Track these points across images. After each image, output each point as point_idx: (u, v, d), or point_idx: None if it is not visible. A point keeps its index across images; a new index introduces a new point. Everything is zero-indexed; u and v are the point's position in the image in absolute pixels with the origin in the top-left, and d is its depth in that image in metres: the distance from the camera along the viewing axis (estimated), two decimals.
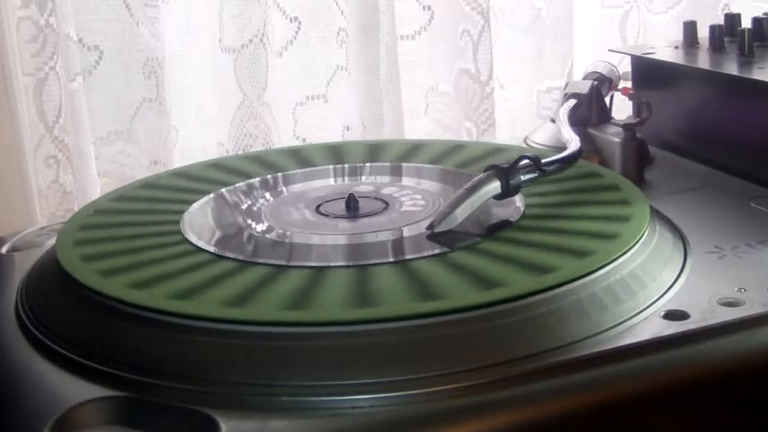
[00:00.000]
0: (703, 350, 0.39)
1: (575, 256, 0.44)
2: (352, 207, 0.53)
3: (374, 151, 0.64)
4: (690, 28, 0.70)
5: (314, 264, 0.45)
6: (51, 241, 0.53)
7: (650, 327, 0.40)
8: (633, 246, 0.45)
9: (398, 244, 0.48)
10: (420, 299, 0.41)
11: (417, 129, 0.91)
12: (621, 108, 0.71)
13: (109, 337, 0.41)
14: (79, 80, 0.78)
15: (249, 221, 0.52)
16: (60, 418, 0.36)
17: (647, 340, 0.39)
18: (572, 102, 0.65)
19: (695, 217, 0.53)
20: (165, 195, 0.57)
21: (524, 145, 0.69)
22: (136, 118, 0.82)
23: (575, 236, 0.47)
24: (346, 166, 0.62)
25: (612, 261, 0.43)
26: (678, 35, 0.72)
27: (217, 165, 0.64)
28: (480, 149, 0.63)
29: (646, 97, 0.63)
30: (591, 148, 0.62)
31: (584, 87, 0.66)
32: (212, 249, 0.48)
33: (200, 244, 0.48)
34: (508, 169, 0.50)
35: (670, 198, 0.56)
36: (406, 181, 0.59)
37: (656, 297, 0.42)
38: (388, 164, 0.61)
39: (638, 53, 0.70)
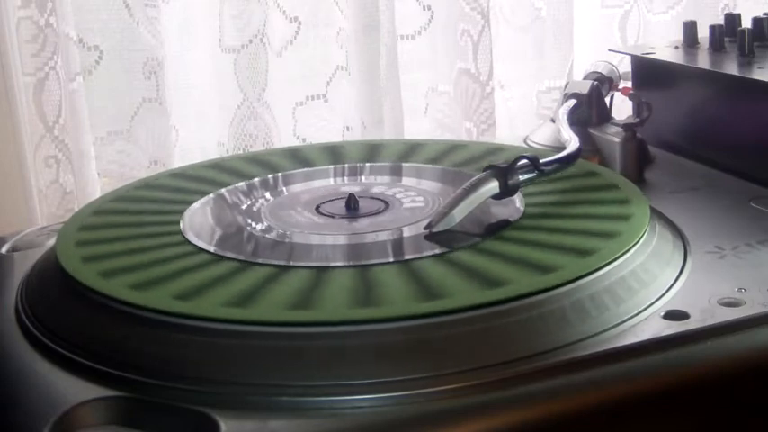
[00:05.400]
0: (703, 350, 0.39)
1: (574, 255, 0.44)
2: (352, 207, 0.53)
3: (411, 151, 0.64)
4: (690, 28, 0.70)
5: (314, 264, 0.45)
6: (51, 241, 0.53)
7: (650, 327, 0.40)
8: (633, 246, 0.45)
9: (398, 244, 0.48)
10: (419, 299, 0.41)
11: (417, 129, 0.91)
12: (621, 108, 0.70)
13: (109, 337, 0.41)
14: (79, 80, 0.78)
15: (249, 221, 0.52)
16: (60, 418, 0.36)
17: (647, 340, 0.39)
18: (572, 102, 0.65)
19: (695, 217, 0.52)
20: (169, 195, 0.57)
21: (524, 145, 0.69)
22: (136, 118, 0.82)
23: (574, 236, 0.47)
24: (346, 165, 0.62)
25: (612, 261, 0.43)
26: (678, 35, 0.72)
27: (253, 158, 0.64)
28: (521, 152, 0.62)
29: (646, 97, 0.63)
30: (591, 148, 0.62)
31: (584, 87, 0.66)
32: (212, 250, 0.48)
33: (200, 244, 0.48)
34: (506, 169, 0.50)
35: (670, 198, 0.56)
36: (406, 181, 0.59)
37: (656, 297, 0.42)
38: (388, 164, 0.61)
39: (638, 53, 0.70)
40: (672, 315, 0.41)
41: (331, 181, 0.60)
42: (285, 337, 0.39)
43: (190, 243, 0.49)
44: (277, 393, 0.37)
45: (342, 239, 0.50)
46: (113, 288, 0.43)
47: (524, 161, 0.51)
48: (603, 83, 0.68)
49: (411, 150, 0.64)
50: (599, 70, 0.70)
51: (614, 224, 0.47)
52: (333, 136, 0.89)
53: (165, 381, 0.38)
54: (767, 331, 0.40)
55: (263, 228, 0.51)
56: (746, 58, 0.63)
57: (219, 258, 0.47)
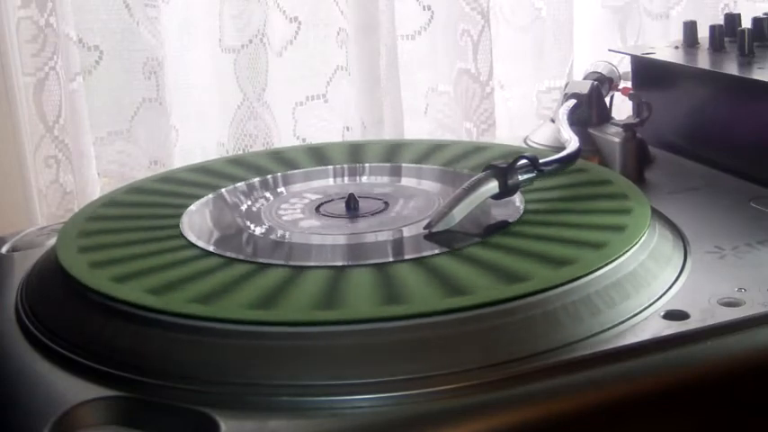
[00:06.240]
0: (703, 350, 0.39)
1: (574, 255, 0.44)
2: (352, 207, 0.53)
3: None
4: (690, 28, 0.70)
5: (313, 264, 0.45)
6: (51, 241, 0.53)
7: (650, 327, 0.40)
8: (633, 246, 0.45)
9: (397, 244, 0.48)
10: (419, 299, 0.41)
11: (417, 129, 0.91)
12: (621, 108, 0.70)
13: (109, 337, 0.41)
14: (79, 80, 0.78)
15: (249, 222, 0.52)
16: (60, 418, 0.36)
17: (647, 340, 0.39)
18: (572, 102, 0.65)
19: (695, 217, 0.52)
20: (169, 194, 0.57)
21: (524, 145, 0.69)
22: (136, 118, 0.82)
23: (574, 236, 0.47)
24: (346, 166, 0.62)
25: (612, 261, 0.43)
26: (678, 35, 0.72)
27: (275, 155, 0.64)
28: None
29: (646, 97, 0.63)
30: (591, 148, 0.62)
31: (585, 87, 0.66)
32: (213, 250, 0.48)
33: (200, 244, 0.48)
34: (506, 169, 0.50)
35: (670, 198, 0.56)
36: (405, 181, 0.59)
37: (656, 297, 0.42)
38: (387, 164, 0.61)
39: (638, 53, 0.70)
40: (672, 315, 0.41)
41: (331, 181, 0.60)
42: (285, 336, 0.39)
43: (190, 243, 0.49)
44: (277, 393, 0.37)
45: (342, 239, 0.50)
46: (114, 288, 0.43)
47: (524, 161, 0.51)
48: (603, 83, 0.68)
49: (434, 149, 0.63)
50: (599, 70, 0.70)
51: (614, 224, 0.47)
52: (333, 136, 0.89)
53: (165, 381, 0.38)
54: (767, 331, 0.40)
55: (263, 228, 0.51)
56: (746, 58, 0.63)
57: (219, 258, 0.47)
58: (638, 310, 0.41)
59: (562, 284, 0.41)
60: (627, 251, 0.44)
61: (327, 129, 0.89)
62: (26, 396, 0.39)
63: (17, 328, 0.44)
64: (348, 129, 0.90)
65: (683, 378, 0.38)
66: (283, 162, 0.62)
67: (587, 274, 0.42)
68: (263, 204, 0.55)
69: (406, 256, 0.46)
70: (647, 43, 0.91)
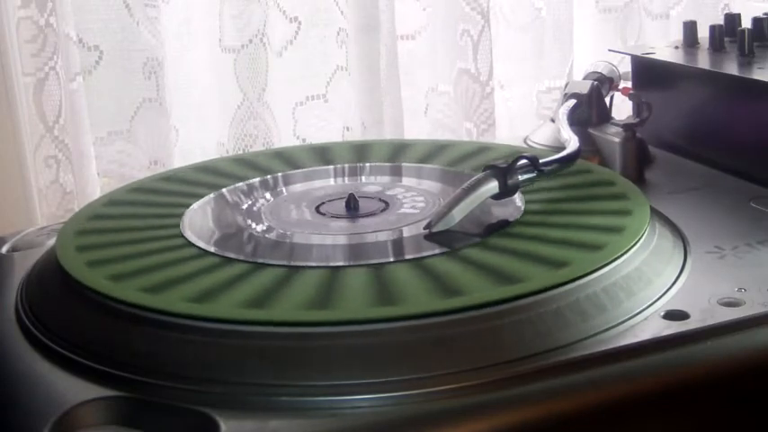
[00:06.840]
0: (703, 350, 0.39)
1: (574, 256, 0.44)
2: (352, 207, 0.53)
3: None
4: (690, 28, 0.70)
5: (313, 264, 0.45)
6: (51, 241, 0.53)
7: (650, 327, 0.40)
8: (633, 246, 0.45)
9: (397, 244, 0.48)
10: (419, 299, 0.41)
11: (417, 129, 0.91)
12: (621, 108, 0.71)
13: (109, 337, 0.41)
14: (79, 80, 0.78)
15: (249, 221, 0.52)
16: (60, 418, 0.36)
17: (647, 340, 0.39)
18: (572, 102, 0.65)
19: (695, 217, 0.52)
20: (169, 194, 0.57)
21: (524, 145, 0.69)
22: (136, 118, 0.82)
23: (574, 236, 0.47)
24: (346, 166, 0.62)
25: (612, 261, 0.43)
26: (678, 35, 0.72)
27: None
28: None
29: (646, 97, 0.63)
30: (591, 148, 0.62)
31: (585, 87, 0.66)
32: (212, 250, 0.48)
33: (201, 244, 0.48)
34: (506, 169, 0.50)
35: (670, 198, 0.56)
36: (406, 181, 0.59)
37: (656, 297, 0.42)
38: (387, 164, 0.61)
39: (638, 53, 0.70)
40: (672, 315, 0.41)
41: (331, 181, 0.60)
42: (285, 337, 0.39)
43: (190, 243, 0.49)
44: (277, 393, 0.37)
45: (342, 239, 0.50)
46: (113, 288, 0.43)
47: (524, 161, 0.51)
48: (603, 83, 0.68)
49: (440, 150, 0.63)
50: (599, 70, 0.70)
51: (614, 224, 0.47)
52: (333, 136, 0.89)
53: (165, 381, 0.38)
54: (767, 331, 0.40)
55: (264, 228, 0.51)
56: (746, 58, 0.63)
57: (220, 258, 0.47)
58: (638, 310, 0.41)
59: (562, 285, 0.41)
60: (627, 251, 0.44)
61: (327, 129, 0.89)
62: (26, 396, 0.39)
63: (17, 328, 0.44)
64: (348, 129, 0.90)
65: (683, 378, 0.38)
66: (287, 162, 0.62)
67: (587, 275, 0.42)
68: (263, 204, 0.55)
69: (406, 257, 0.46)
70: (647, 43, 0.91)
